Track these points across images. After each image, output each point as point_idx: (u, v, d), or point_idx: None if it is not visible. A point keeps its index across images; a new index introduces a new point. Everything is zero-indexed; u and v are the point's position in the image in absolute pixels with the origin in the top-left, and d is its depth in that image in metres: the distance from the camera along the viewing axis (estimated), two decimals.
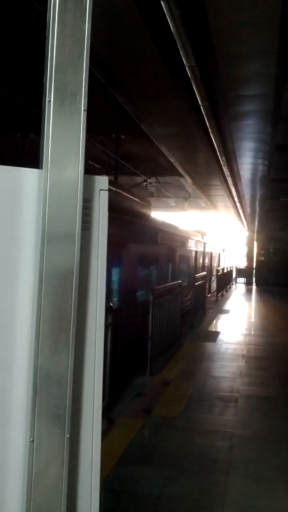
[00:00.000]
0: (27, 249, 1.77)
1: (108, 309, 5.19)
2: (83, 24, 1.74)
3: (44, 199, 1.71)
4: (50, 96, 1.71)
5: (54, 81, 1.71)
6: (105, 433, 4.72)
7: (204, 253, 20.19)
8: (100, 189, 1.93)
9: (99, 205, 1.92)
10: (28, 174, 1.78)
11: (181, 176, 15.54)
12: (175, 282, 9.94)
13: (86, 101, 1.75)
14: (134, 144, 13.82)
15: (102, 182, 1.93)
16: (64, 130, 1.73)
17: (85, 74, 1.75)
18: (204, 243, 20.01)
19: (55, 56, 1.71)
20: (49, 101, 1.70)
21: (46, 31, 1.71)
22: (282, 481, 3.97)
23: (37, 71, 1.89)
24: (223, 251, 27.16)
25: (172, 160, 11.86)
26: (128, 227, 8.85)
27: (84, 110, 1.75)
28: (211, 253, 23.30)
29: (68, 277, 1.75)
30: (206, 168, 12.39)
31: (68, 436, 1.77)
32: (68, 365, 1.76)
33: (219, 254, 28.27)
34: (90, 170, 15.38)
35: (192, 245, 16.99)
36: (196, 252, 17.74)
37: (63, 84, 1.73)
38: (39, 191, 1.75)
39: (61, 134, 1.73)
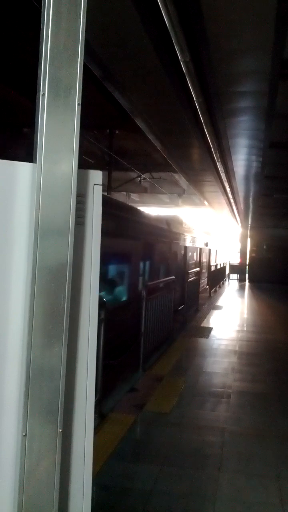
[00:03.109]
0: (20, 243, 1.77)
1: (101, 304, 5.19)
2: (78, 18, 1.73)
3: (38, 193, 1.71)
4: (44, 90, 1.70)
5: (48, 75, 1.70)
6: (97, 428, 4.72)
7: (197, 249, 20.23)
8: (94, 184, 1.92)
9: (93, 200, 1.92)
10: (22, 168, 1.77)
11: (175, 172, 15.54)
12: (168, 278, 9.95)
13: (80, 95, 1.75)
14: (128, 139, 13.81)
15: (96, 176, 1.93)
16: (58, 124, 1.73)
17: (79, 68, 1.74)
18: (196, 239, 20.04)
19: (50, 50, 1.70)
20: (43, 95, 1.70)
21: (41, 25, 1.70)
22: (272, 476, 3.99)
23: (31, 65, 1.88)
24: (207, 245, 27.06)
25: (166, 156, 11.85)
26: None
27: (78, 105, 1.74)
28: (205, 249, 23.33)
29: (61, 271, 1.74)
30: (200, 164, 12.39)
31: (60, 430, 1.77)
32: (60, 359, 1.76)
33: (214, 250, 28.32)
34: (83, 164, 15.34)
35: (185, 241, 17.02)
36: (189, 248, 17.77)
37: (57, 78, 1.72)
38: (32, 185, 1.74)
39: (55, 128, 1.72)
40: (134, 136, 12.93)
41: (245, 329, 11.74)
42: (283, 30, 4.83)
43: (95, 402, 4.90)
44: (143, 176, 18.57)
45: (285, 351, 9.09)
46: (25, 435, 1.72)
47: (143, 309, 7.02)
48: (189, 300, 12.02)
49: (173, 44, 5.00)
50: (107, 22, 4.94)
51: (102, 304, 5.18)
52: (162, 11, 4.34)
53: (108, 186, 15.12)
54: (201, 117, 7.52)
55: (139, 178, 19.09)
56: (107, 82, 6.85)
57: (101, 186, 1.93)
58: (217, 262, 26.29)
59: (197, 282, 13.88)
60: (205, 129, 8.18)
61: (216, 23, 4.86)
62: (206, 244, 19.06)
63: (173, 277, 9.92)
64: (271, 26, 4.76)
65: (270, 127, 8.02)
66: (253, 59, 5.59)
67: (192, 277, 12.83)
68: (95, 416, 4.92)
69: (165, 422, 5.05)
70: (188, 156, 11.77)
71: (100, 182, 1.93)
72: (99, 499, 3.50)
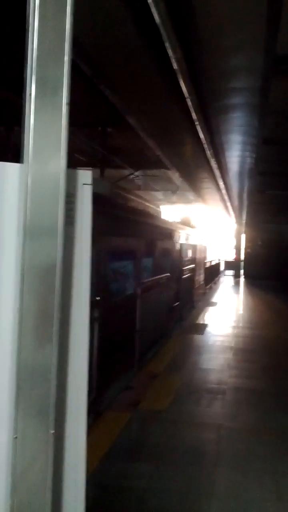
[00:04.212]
0: (9, 244, 1.75)
1: (94, 303, 5.17)
2: (64, 16, 1.71)
3: (26, 194, 1.69)
4: (31, 90, 1.68)
5: (36, 75, 1.68)
6: (92, 427, 4.72)
7: (192, 246, 20.22)
8: (83, 184, 1.91)
9: (82, 200, 1.90)
10: (10, 169, 1.75)
11: (169, 169, 15.52)
12: (163, 275, 9.94)
13: (68, 94, 1.73)
14: (120, 137, 13.75)
15: (85, 176, 1.91)
16: (46, 124, 1.71)
17: (67, 67, 1.72)
18: (192, 236, 20.03)
19: (36, 49, 1.68)
20: (31, 94, 1.68)
21: (26, 24, 1.68)
22: (269, 472, 4.00)
23: (21, 63, 1.86)
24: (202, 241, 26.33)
25: (159, 153, 11.84)
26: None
27: (66, 104, 1.72)
28: (200, 246, 23.35)
29: (51, 272, 1.73)
30: (193, 161, 12.39)
31: (52, 432, 1.76)
32: (51, 360, 1.75)
33: (207, 247, 28.34)
34: (76, 163, 15.23)
35: (181, 238, 17.01)
36: (184, 245, 17.75)
37: (44, 78, 1.70)
38: (20, 186, 1.72)
39: (43, 128, 1.70)
40: (127, 134, 12.87)
41: (240, 325, 11.76)
42: (275, 26, 4.82)
43: (91, 400, 4.91)
44: (136, 173, 18.50)
45: (280, 347, 9.11)
46: (17, 437, 1.71)
47: (138, 306, 7.01)
48: (184, 297, 12.01)
49: (164, 41, 4.98)
50: (97, 20, 4.92)
51: (95, 303, 5.16)
52: (152, 8, 4.32)
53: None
54: (193, 114, 7.50)
55: (132, 176, 19.02)
56: (99, 80, 6.83)
57: (90, 186, 1.91)
58: (212, 259, 26.25)
59: (192, 278, 13.86)
60: (198, 125, 8.17)
61: (208, 20, 4.84)
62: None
63: (168, 274, 9.92)
64: (263, 23, 4.75)
65: (263, 123, 8.02)
66: (245, 55, 5.58)
67: (187, 273, 12.83)
68: (91, 415, 4.92)
69: (161, 419, 5.05)
70: (181, 153, 11.77)
71: (90, 181, 1.92)
72: (95, 497, 3.49)
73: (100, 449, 4.25)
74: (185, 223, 18.33)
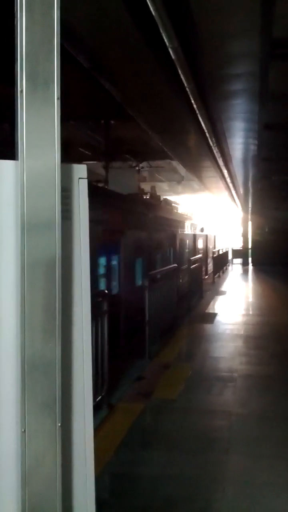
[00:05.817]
0: (7, 240, 1.76)
1: (103, 296, 5.19)
2: (52, 11, 1.70)
3: (22, 190, 1.70)
4: (22, 86, 1.68)
5: (26, 71, 1.68)
6: (106, 419, 4.76)
7: (200, 236, 20.20)
8: (79, 178, 1.91)
9: (78, 194, 1.91)
10: (4, 166, 1.76)
11: (173, 159, 15.49)
12: (171, 265, 9.95)
13: (59, 89, 1.73)
14: (123, 128, 13.74)
15: (80, 170, 1.92)
16: (38, 120, 1.71)
17: (56, 61, 1.72)
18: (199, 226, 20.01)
19: (25, 44, 1.67)
20: (21, 91, 1.68)
21: (15, 19, 1.68)
22: (280, 457, 4.02)
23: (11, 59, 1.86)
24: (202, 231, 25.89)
25: (161, 143, 11.80)
26: None
27: (57, 99, 1.73)
28: (208, 235, 23.32)
29: (50, 266, 1.74)
30: (196, 150, 12.34)
31: (59, 425, 1.79)
32: (55, 354, 1.76)
33: (215, 236, 28.26)
34: (81, 157, 15.18)
35: (189, 229, 16.98)
36: (194, 235, 17.72)
37: (34, 73, 1.69)
38: (16, 183, 1.73)
39: (35, 124, 1.71)
40: (130, 125, 12.86)
41: (249, 312, 11.76)
42: (271, 10, 4.78)
43: (104, 393, 4.95)
44: (141, 165, 18.47)
45: None
46: (24, 430, 1.73)
47: (147, 297, 7.03)
48: (193, 286, 12.01)
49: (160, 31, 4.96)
50: (94, 13, 4.90)
51: (104, 296, 5.18)
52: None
53: (106, 177, 15.05)
54: (193, 103, 7.47)
55: (137, 167, 18.99)
56: (98, 73, 6.81)
57: (86, 180, 1.92)
58: (220, 248, 26.17)
59: (200, 268, 13.84)
60: (198, 114, 8.13)
61: (203, 6, 4.81)
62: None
63: (176, 264, 9.93)
64: (258, 7, 4.71)
65: (263, 108, 7.96)
66: (242, 40, 5.54)
67: (195, 263, 12.82)
68: (104, 407, 4.96)
69: (173, 408, 5.08)
70: (184, 143, 11.72)
71: (85, 175, 1.92)
72: (110, 486, 3.54)
73: (115, 440, 4.29)
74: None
